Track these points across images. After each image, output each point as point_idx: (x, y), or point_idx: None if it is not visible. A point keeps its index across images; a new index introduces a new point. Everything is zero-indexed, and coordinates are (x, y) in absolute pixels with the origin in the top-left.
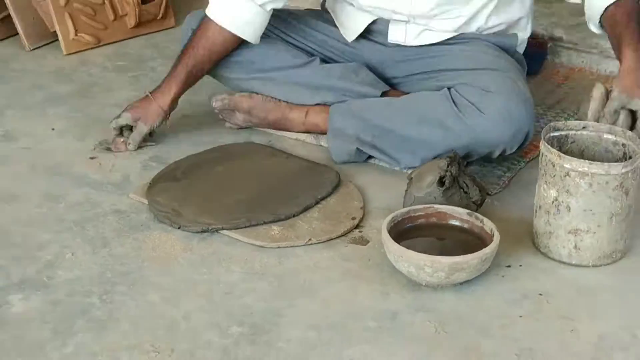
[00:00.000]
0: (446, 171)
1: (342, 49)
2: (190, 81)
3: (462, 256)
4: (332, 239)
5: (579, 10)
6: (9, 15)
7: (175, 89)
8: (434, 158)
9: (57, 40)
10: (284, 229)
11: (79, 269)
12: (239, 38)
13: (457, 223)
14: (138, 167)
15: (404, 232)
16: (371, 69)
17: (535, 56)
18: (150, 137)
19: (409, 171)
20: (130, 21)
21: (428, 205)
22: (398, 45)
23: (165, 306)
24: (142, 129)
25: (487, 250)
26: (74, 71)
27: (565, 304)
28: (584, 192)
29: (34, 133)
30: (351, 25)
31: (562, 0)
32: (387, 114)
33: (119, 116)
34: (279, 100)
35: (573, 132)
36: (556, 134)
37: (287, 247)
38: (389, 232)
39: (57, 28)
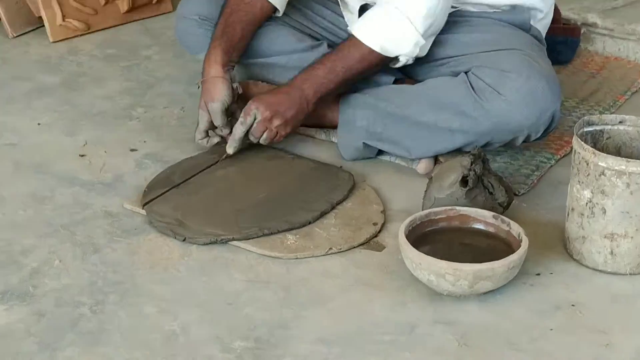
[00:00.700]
0: (469, 170)
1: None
2: (231, 39)
3: (487, 263)
4: (354, 247)
5: None
6: None
7: (221, 54)
8: (452, 152)
9: (43, 26)
10: (300, 238)
11: (68, 277)
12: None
13: (481, 227)
14: (132, 165)
15: (424, 236)
16: None
17: (567, 43)
18: (237, 105)
19: (415, 163)
20: (123, 6)
21: (450, 207)
22: None
23: (162, 318)
24: (214, 107)
25: (514, 257)
26: (61, 60)
27: (599, 315)
28: (621, 192)
29: (17, 128)
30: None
31: None
32: (401, 101)
33: (197, 124)
34: None
35: (609, 126)
36: (590, 129)
37: (305, 258)
38: (407, 236)
39: (42, 13)
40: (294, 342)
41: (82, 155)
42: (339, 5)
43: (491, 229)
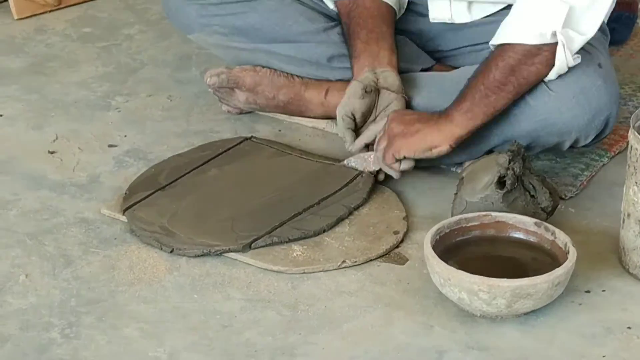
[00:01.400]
0: (507, 169)
1: None
2: None
3: (528, 278)
4: (371, 260)
5: None
6: None
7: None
8: (489, 151)
9: (6, 0)
10: (307, 249)
11: (35, 295)
12: None
13: (521, 236)
14: (110, 163)
15: (453, 247)
16: (408, 39)
17: (622, 20)
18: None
19: (457, 169)
20: None
21: (484, 213)
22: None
23: (146, 343)
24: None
25: (560, 271)
26: (27, 41)
27: None
28: None
29: None
30: None
31: None
32: (429, 93)
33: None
34: (292, 75)
35: None
36: None
37: (314, 272)
38: (434, 247)
39: None
40: None
41: (52, 152)
42: None
43: (533, 239)
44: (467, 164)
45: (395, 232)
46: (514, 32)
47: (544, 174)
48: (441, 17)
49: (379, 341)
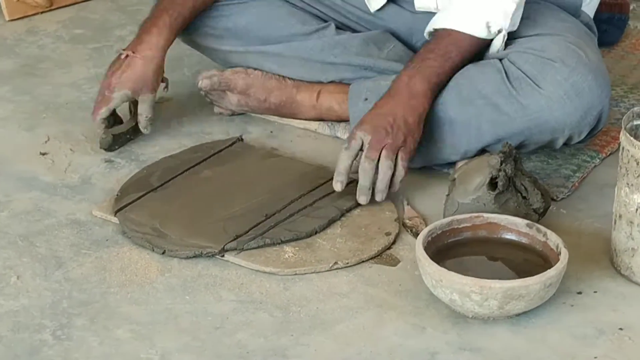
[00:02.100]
0: (499, 170)
1: (361, 15)
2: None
3: (520, 280)
4: (363, 261)
5: None
6: None
7: (167, 28)
8: (481, 151)
9: None
10: (299, 250)
11: (27, 297)
12: None
13: (513, 237)
14: (101, 165)
15: (445, 249)
16: (399, 39)
17: (614, 21)
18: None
19: (448, 170)
20: None
21: (476, 215)
22: (430, 12)
23: (138, 344)
24: (148, 99)
25: (551, 272)
26: (18, 42)
27: None
28: None
29: None
30: None
31: None
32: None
33: (107, 100)
34: (283, 77)
35: None
36: None
37: (306, 274)
38: (426, 249)
39: None
40: None
41: (44, 154)
42: None
43: (524, 240)
44: (459, 165)
45: (387, 234)
46: (460, 20)
47: (536, 176)
48: (426, 6)
49: (371, 342)
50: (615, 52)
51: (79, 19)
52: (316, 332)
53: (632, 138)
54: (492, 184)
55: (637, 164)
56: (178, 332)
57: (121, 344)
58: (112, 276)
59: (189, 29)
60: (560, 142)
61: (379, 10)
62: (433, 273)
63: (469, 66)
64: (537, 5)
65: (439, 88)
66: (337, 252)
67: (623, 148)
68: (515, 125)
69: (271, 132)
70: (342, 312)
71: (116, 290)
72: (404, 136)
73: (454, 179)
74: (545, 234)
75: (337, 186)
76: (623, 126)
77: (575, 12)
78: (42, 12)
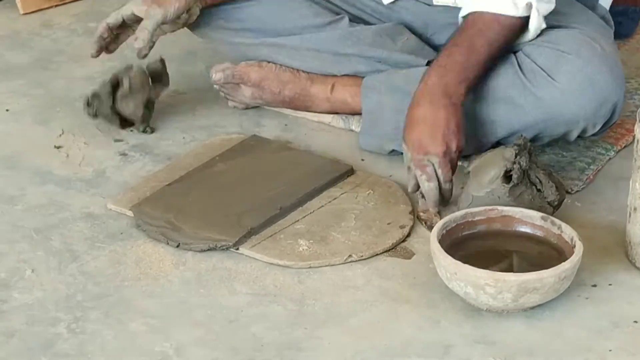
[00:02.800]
0: (514, 163)
1: (375, 8)
2: None
3: (534, 272)
4: (377, 254)
5: None
6: None
7: None
8: (496, 145)
9: None
10: (314, 243)
11: (41, 290)
12: None
13: (527, 230)
14: (116, 159)
15: (460, 242)
16: (413, 31)
17: (628, 14)
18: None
19: (463, 163)
20: None
21: (490, 208)
22: (446, 6)
23: (152, 337)
24: (156, 15)
25: (566, 265)
26: (33, 35)
27: None
28: None
29: None
30: None
31: None
32: None
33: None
34: (297, 70)
35: None
36: None
37: (321, 267)
38: (440, 242)
39: None
40: None
41: (58, 147)
42: None
43: (539, 233)
44: (473, 158)
45: (402, 227)
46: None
47: (550, 168)
48: (444, 0)
49: (385, 336)
50: (630, 45)
51: (93, 13)
52: (330, 325)
53: None
54: (507, 176)
55: None
56: (192, 325)
57: (135, 337)
58: (126, 269)
59: (203, 21)
60: (575, 134)
61: (393, 2)
62: (447, 266)
63: None
64: None
65: (470, 81)
66: (352, 245)
67: (638, 140)
68: (529, 118)
69: (285, 125)
70: (356, 305)
71: (131, 283)
72: (456, 141)
73: (469, 172)
74: (560, 227)
75: (437, 220)
76: (638, 119)
77: (591, 5)
78: (56, 6)
